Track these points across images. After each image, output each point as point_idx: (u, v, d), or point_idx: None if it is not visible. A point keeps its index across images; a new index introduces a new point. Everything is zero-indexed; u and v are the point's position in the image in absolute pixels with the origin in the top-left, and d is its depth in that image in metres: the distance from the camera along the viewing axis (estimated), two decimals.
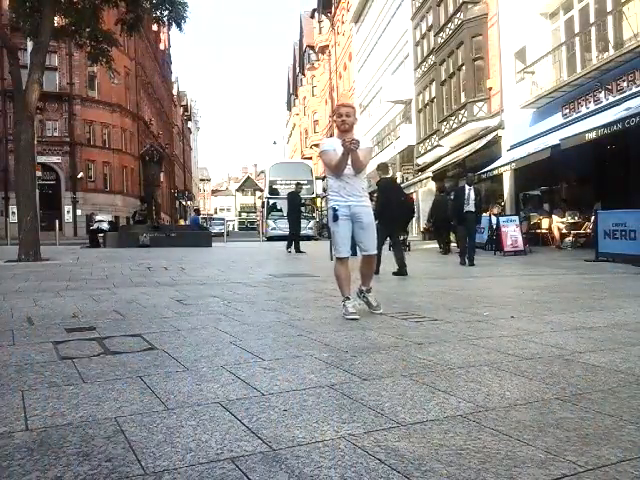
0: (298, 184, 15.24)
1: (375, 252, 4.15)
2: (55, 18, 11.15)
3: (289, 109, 72.99)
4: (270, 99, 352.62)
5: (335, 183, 3.92)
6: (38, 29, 10.25)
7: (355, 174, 3.88)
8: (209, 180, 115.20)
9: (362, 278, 4.22)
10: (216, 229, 36.02)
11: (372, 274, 4.30)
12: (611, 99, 12.61)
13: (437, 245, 14.23)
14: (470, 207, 9.36)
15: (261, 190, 45.18)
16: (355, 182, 3.91)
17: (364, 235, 3.98)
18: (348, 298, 3.98)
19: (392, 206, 7.40)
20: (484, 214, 13.07)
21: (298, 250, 13.30)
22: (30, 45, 11.25)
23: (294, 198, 13.84)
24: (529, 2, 15.94)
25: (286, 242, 13.90)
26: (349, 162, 3.80)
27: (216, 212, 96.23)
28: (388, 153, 29.47)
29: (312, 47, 51.29)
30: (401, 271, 7.24)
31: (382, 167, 7.96)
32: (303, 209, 16.65)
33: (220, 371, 2.45)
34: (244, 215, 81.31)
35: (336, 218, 3.87)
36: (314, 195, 27.72)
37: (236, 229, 72.39)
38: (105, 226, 17.48)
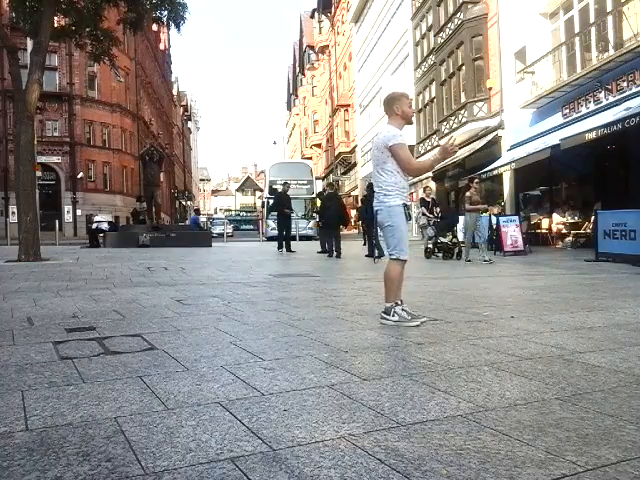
0: (285, 183, 15.19)
1: None
2: (55, 18, 11.15)
3: (289, 109, 73.01)
4: (270, 99, 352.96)
5: (403, 182, 3.65)
6: (38, 29, 10.24)
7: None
8: (209, 180, 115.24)
9: (396, 288, 3.75)
10: (217, 229, 35.13)
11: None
12: (611, 99, 12.61)
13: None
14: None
15: (261, 190, 45.13)
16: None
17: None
18: (399, 303, 3.69)
19: (330, 212, 11.90)
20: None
21: (280, 247, 13.48)
22: (30, 45, 11.24)
23: (282, 198, 13.89)
24: (529, 2, 15.94)
25: (283, 243, 13.86)
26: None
27: (216, 212, 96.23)
28: None
29: (312, 47, 51.31)
30: (333, 254, 11.45)
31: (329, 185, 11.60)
32: (303, 209, 16.67)
33: (220, 371, 2.45)
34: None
35: (409, 218, 3.65)
36: (314, 195, 27.73)
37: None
38: (105, 226, 17.45)
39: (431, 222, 11.50)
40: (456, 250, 10.96)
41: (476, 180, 10.97)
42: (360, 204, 14.61)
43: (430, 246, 11.44)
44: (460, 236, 12.72)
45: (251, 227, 49.96)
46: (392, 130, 3.62)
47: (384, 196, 3.64)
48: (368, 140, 30.05)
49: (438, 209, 12.07)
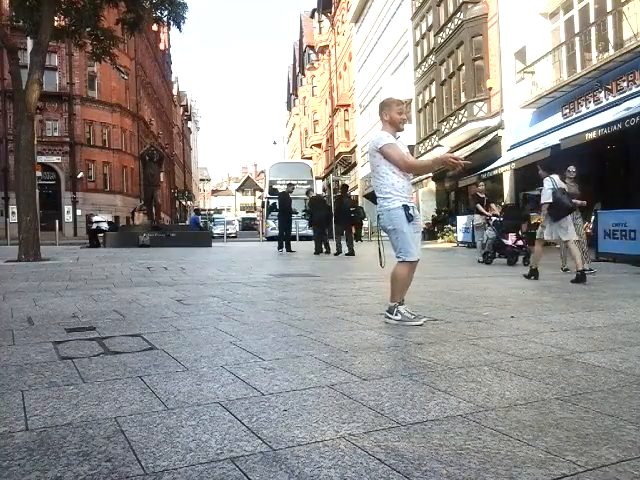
0: (290, 184, 15.43)
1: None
2: (55, 18, 11.14)
3: (289, 109, 72.95)
4: (270, 99, 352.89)
5: (401, 182, 3.62)
6: (38, 29, 10.24)
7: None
8: (209, 180, 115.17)
9: (401, 289, 3.74)
10: (218, 229, 33.86)
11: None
12: (611, 99, 12.61)
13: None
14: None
15: (261, 190, 45.13)
16: (410, 182, 3.75)
17: (417, 239, 3.71)
18: (402, 303, 3.71)
19: (318, 214, 13.31)
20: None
21: (280, 247, 13.64)
22: (30, 45, 11.25)
23: (285, 198, 14.00)
24: (529, 2, 15.93)
25: (284, 243, 13.96)
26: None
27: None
28: None
29: (312, 47, 51.24)
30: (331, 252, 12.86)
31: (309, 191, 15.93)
32: (303, 209, 16.85)
33: (220, 371, 2.45)
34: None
35: (411, 218, 3.58)
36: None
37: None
38: (105, 226, 17.46)
39: (490, 221, 10.02)
40: (522, 255, 9.54)
41: (572, 169, 8.30)
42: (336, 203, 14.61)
43: (491, 249, 9.94)
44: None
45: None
46: (379, 133, 3.69)
47: (383, 200, 3.66)
48: (368, 140, 30.05)
49: (494, 205, 10.76)
